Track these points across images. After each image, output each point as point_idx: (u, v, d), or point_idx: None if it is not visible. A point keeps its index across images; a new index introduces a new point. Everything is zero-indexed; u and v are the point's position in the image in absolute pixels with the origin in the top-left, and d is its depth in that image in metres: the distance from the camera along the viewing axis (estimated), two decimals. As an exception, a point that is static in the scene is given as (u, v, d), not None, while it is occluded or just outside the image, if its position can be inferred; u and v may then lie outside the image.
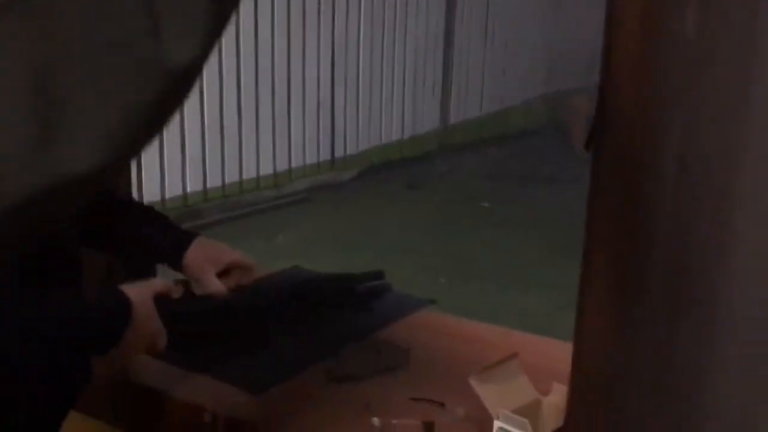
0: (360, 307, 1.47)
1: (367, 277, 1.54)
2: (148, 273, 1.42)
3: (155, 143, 4.97)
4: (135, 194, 4.64)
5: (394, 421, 1.08)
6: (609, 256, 0.67)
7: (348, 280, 1.52)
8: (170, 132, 5.06)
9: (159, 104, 0.33)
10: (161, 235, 1.30)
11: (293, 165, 5.86)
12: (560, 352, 1.29)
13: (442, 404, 1.13)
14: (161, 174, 5.04)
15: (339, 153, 6.22)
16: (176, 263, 1.30)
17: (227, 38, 5.22)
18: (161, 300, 1.07)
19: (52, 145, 0.30)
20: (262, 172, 5.64)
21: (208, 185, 5.33)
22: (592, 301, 0.69)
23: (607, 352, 0.67)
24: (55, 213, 0.33)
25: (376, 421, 1.09)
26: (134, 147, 0.34)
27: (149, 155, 4.95)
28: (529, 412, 0.98)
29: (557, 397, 1.03)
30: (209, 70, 5.15)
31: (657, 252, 0.63)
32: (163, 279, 1.14)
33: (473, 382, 1.01)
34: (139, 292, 1.02)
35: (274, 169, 5.73)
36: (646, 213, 0.63)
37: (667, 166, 0.63)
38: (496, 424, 0.98)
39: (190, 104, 5.12)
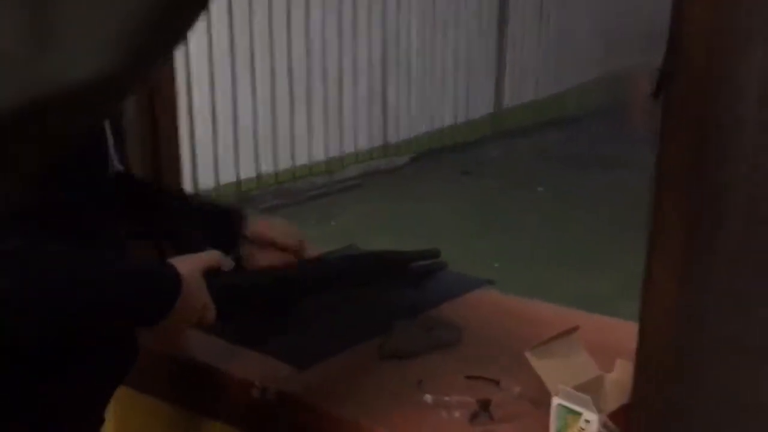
0: (413, 284, 1.43)
1: (423, 255, 1.51)
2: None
3: (208, 130, 5.02)
4: (189, 181, 4.70)
5: (447, 398, 1.04)
6: (679, 209, 0.61)
7: (403, 257, 1.48)
8: (222, 119, 5.10)
9: (167, 7, 0.29)
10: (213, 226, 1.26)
11: (345, 151, 5.84)
12: (623, 331, 1.23)
13: (497, 382, 1.09)
14: (215, 161, 5.08)
15: (391, 138, 6.18)
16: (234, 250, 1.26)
17: (277, 23, 5.23)
18: (211, 273, 1.04)
19: (45, 49, 0.27)
20: (314, 158, 5.64)
21: (262, 171, 5.35)
22: (661, 261, 0.63)
23: (679, 314, 0.61)
24: (60, 128, 0.30)
25: (428, 398, 1.05)
26: (142, 55, 0.30)
27: (202, 142, 5.00)
28: (591, 388, 0.93)
29: (621, 374, 0.97)
30: (260, 56, 5.17)
31: (733, 202, 0.57)
32: (214, 252, 1.12)
33: (530, 357, 0.96)
34: (189, 265, 1.00)
35: (327, 155, 5.72)
36: (722, 158, 0.57)
37: (746, 108, 0.57)
38: (555, 400, 0.92)
39: (242, 90, 5.15)
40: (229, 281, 1.15)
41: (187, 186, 4.63)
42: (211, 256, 1.06)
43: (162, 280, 0.97)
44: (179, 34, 0.31)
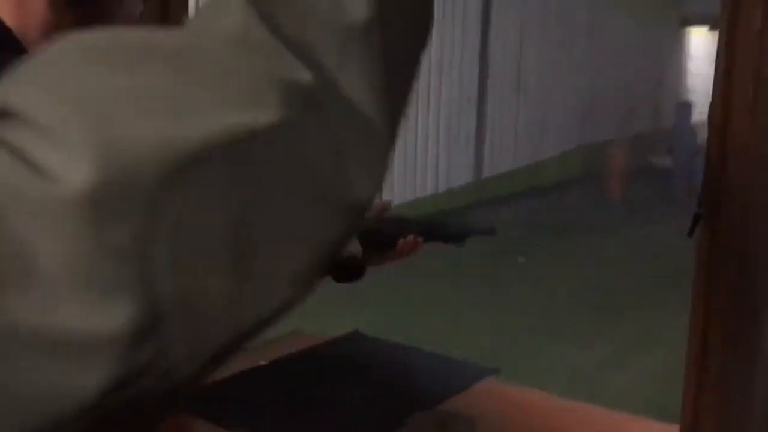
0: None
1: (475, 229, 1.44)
2: None
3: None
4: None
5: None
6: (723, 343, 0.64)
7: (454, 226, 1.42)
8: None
9: (340, 243, 0.32)
10: None
11: (329, 219, 5.86)
12: (638, 429, 1.25)
13: (519, 485, 1.09)
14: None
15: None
16: None
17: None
18: None
19: (245, 288, 0.29)
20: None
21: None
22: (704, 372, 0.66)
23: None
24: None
25: (451, 502, 1.05)
26: (312, 286, 0.32)
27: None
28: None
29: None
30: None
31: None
32: None
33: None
34: None
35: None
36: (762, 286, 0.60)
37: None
38: None
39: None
40: None
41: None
42: None
43: None
44: (336, 260, 0.34)
